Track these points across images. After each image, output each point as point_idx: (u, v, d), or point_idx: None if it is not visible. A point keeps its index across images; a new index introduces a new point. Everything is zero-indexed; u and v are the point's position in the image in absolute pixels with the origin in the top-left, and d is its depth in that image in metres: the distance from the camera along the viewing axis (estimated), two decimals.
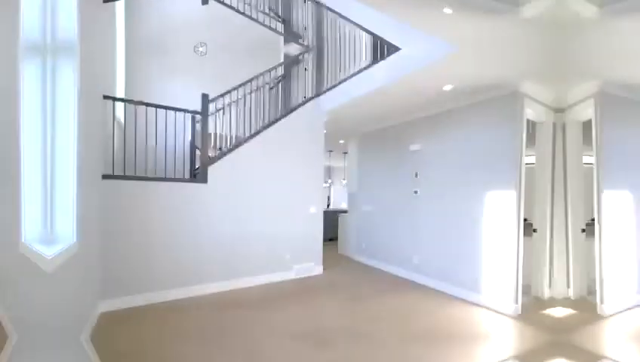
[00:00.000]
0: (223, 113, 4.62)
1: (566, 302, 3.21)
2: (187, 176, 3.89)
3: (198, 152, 3.67)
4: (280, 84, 5.16)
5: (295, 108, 4.14)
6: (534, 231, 3.45)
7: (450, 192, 3.53)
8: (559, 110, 3.36)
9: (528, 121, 3.17)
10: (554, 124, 3.38)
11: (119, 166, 3.09)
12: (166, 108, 3.18)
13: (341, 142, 6.49)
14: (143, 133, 3.15)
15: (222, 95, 3.64)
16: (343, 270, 4.45)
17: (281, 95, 5.10)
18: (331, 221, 6.91)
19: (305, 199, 4.12)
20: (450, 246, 3.49)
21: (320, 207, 4.28)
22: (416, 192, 4.02)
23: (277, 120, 3.95)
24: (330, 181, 8.36)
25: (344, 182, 8.66)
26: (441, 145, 3.74)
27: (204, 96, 3.42)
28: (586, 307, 3.02)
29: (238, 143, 3.64)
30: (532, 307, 3.03)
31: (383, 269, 4.50)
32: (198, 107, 3.39)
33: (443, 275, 3.55)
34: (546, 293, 3.36)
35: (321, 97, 4.28)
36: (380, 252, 4.63)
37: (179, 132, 4.24)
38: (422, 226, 3.92)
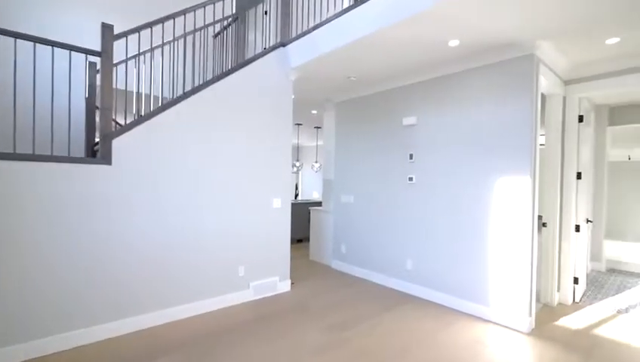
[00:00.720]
0: (142, 61, 3.73)
1: (576, 308, 3.33)
2: (81, 153, 2.99)
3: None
4: (230, 29, 4.34)
5: (252, 60, 3.36)
6: (544, 225, 3.34)
7: (453, 179, 3.29)
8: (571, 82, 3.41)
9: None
10: (564, 99, 3.45)
11: None
12: (36, 40, 2.25)
13: (313, 112, 5.82)
14: None
15: (137, 29, 2.76)
16: (317, 284, 3.90)
17: (231, 44, 4.29)
18: (301, 217, 6.35)
19: (266, 189, 3.44)
20: (452, 248, 3.27)
21: (287, 199, 3.63)
22: (411, 179, 3.58)
23: (224, 75, 3.16)
24: (298, 164, 7.72)
25: (317, 165, 8.06)
26: (442, 119, 3.39)
27: (106, 28, 2.53)
28: (599, 313, 3.18)
29: (164, 106, 2.81)
30: (544, 318, 3.05)
31: (370, 279, 4.07)
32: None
33: (443, 285, 3.34)
34: (556, 299, 3.40)
35: (289, 47, 3.56)
36: (364, 257, 4.17)
37: (62, 83, 3.31)
38: (418, 223, 3.57)
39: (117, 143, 2.55)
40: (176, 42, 4.11)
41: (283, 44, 3.58)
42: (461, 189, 3.19)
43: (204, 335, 2.57)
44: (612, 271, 4.70)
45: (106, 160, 2.50)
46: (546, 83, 3.03)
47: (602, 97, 4.25)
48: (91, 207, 2.42)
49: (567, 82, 3.42)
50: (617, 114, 4.73)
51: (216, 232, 3.07)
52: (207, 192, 3.01)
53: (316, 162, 8.15)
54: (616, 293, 3.74)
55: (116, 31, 3.75)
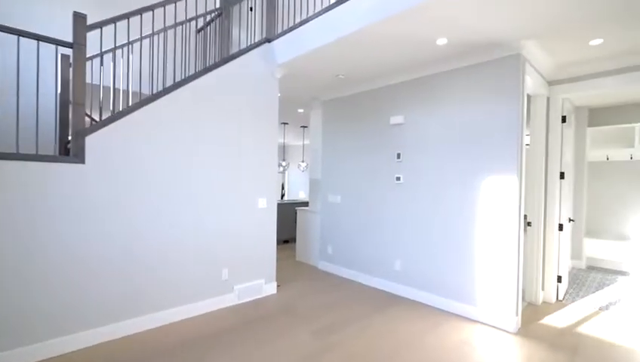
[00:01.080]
0: (121, 55, 3.56)
1: (560, 306, 3.35)
2: (53, 151, 2.81)
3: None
4: (214, 25, 4.19)
5: (236, 56, 3.24)
6: (528, 224, 3.35)
7: (440, 179, 3.26)
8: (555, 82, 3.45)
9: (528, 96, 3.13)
10: (548, 99, 3.48)
11: None
12: (0, 29, 2.07)
13: (300, 111, 5.73)
14: None
15: (113, 20, 2.59)
16: (303, 286, 3.81)
17: (215, 40, 4.15)
18: (287, 217, 6.25)
19: (251, 189, 3.33)
20: (440, 248, 3.24)
21: (273, 199, 3.53)
22: (398, 179, 3.54)
23: (207, 70, 3.02)
24: (285, 164, 7.62)
25: (303, 165, 7.96)
26: (429, 118, 3.36)
27: (78, 18, 2.36)
28: (582, 311, 3.21)
29: (143, 102, 2.66)
30: (529, 317, 3.05)
31: (357, 280, 4.00)
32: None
33: (432, 285, 3.31)
34: (540, 298, 3.42)
35: (274, 43, 3.45)
36: (351, 258, 4.11)
37: (31, 76, 3.11)
38: (406, 223, 3.53)
39: (91, 140, 2.39)
40: (156, 36, 3.94)
41: (268, 40, 3.48)
42: (448, 189, 3.17)
43: (188, 341, 2.44)
44: (592, 268, 4.81)
45: (79, 158, 2.34)
46: (531, 83, 3.05)
47: (583, 99, 4.34)
48: (60, 209, 2.25)
49: (551, 83, 3.46)
50: (596, 115, 4.84)
51: (198, 234, 2.93)
52: (188, 192, 2.87)
53: (303, 161, 8.06)
54: (597, 290, 3.81)
55: (92, 21, 3.55)
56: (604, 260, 4.81)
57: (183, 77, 4.23)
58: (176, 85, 2.83)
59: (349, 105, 4.23)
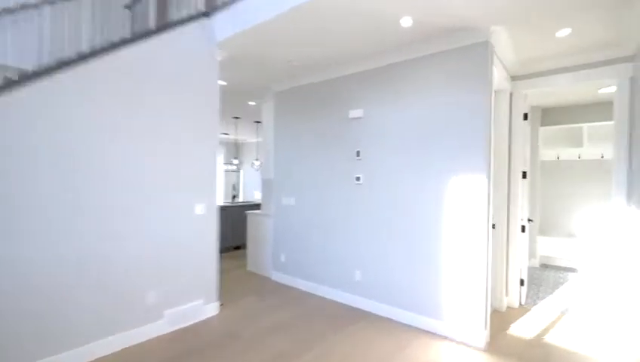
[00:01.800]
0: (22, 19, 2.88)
1: (523, 311, 3.23)
2: None
3: None
4: (147, 2, 3.55)
5: (164, 28, 2.66)
6: (492, 227, 3.19)
7: (402, 180, 2.97)
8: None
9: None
10: (511, 95, 3.35)
11: None
12: None
13: (251, 104, 5.20)
14: None
15: None
16: (252, 303, 3.32)
17: (151, 21, 3.52)
18: (240, 221, 5.70)
19: (186, 192, 2.77)
20: (404, 256, 2.94)
21: (213, 204, 2.99)
22: (357, 179, 3.21)
23: (124, 43, 2.41)
24: (237, 162, 7.01)
25: (257, 163, 7.41)
26: (391, 112, 3.05)
27: None
28: (545, 317, 3.10)
29: (33, 76, 2.00)
30: (496, 326, 2.87)
31: (314, 293, 3.61)
32: None
33: (396, 298, 3.00)
34: (505, 303, 3.30)
35: (213, 19, 2.92)
36: (307, 267, 3.70)
37: None
38: (366, 228, 3.20)
39: None
40: (67, 3, 3.20)
41: (206, 14, 2.93)
42: (411, 191, 2.88)
43: None
44: (545, 266, 4.89)
45: None
46: (497, 76, 2.86)
47: (538, 98, 4.35)
48: None
49: (514, 78, 3.33)
50: (548, 115, 4.93)
51: (113, 249, 2.32)
52: (97, 195, 2.25)
53: (257, 160, 7.50)
54: (554, 290, 3.80)
55: None
56: (555, 258, 4.92)
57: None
58: (78, 59, 2.19)
59: (304, 97, 3.80)
